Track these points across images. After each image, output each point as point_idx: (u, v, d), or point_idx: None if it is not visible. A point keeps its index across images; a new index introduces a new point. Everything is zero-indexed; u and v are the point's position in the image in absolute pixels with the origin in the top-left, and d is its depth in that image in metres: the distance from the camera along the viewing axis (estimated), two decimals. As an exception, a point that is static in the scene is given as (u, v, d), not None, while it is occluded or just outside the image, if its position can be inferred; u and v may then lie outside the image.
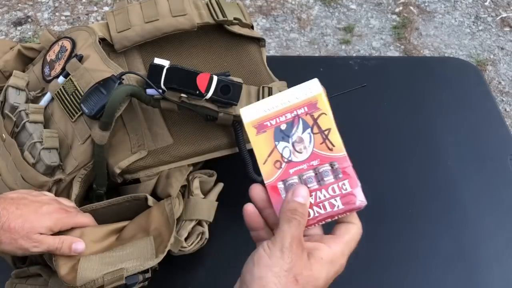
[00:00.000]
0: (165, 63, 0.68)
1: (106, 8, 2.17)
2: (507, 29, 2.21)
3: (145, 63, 0.76)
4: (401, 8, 2.27)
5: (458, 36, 2.17)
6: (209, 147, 0.74)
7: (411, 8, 2.28)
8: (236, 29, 0.80)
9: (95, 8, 2.17)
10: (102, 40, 0.74)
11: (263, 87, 0.74)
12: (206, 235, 0.72)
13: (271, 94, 0.74)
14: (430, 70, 1.09)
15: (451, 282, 0.74)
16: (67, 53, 0.72)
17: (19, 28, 2.06)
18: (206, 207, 0.72)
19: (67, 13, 2.13)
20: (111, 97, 0.63)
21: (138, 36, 0.74)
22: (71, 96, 0.69)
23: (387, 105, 0.99)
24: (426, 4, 2.30)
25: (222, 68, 0.79)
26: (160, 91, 0.67)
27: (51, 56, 0.74)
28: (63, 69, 0.71)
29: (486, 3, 2.32)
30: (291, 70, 0.99)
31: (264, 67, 0.82)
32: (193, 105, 0.68)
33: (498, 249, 0.78)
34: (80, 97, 0.67)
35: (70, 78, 0.69)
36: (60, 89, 0.70)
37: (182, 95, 0.67)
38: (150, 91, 0.67)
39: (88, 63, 0.69)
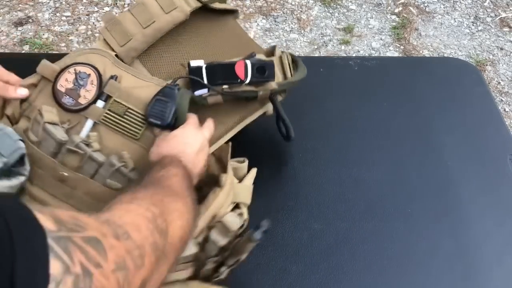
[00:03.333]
0: (200, 63, 0.71)
1: (106, 9, 2.17)
2: (506, 29, 2.22)
3: (143, 63, 0.76)
4: (400, 8, 2.27)
5: (457, 37, 2.17)
6: (234, 121, 0.77)
7: (411, 8, 2.28)
8: (218, 5, 0.81)
9: (96, 9, 2.17)
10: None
11: (282, 53, 0.80)
12: (245, 215, 0.72)
13: (294, 59, 0.82)
14: (430, 71, 1.09)
15: (451, 281, 0.74)
16: (94, 77, 0.71)
17: (20, 28, 2.06)
18: (242, 190, 0.73)
19: (68, 14, 2.14)
20: (180, 102, 0.67)
21: (142, 43, 0.74)
22: (125, 117, 0.69)
23: (387, 105, 0.99)
24: (426, 4, 2.30)
25: (214, 49, 0.80)
26: (207, 89, 0.71)
27: (65, 85, 0.71)
28: (101, 93, 0.70)
29: (485, 4, 2.32)
30: (292, 70, 0.99)
31: (249, 38, 0.85)
32: (234, 92, 0.72)
33: (498, 249, 0.78)
34: (136, 115, 0.69)
35: (114, 100, 0.70)
36: (107, 113, 0.70)
37: (224, 86, 0.71)
38: (198, 92, 0.71)
39: (125, 82, 0.71)
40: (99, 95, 0.70)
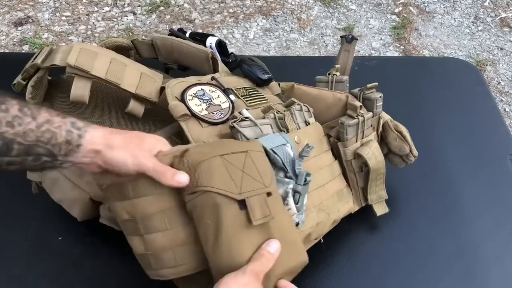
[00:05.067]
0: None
1: (106, 9, 2.17)
2: (506, 29, 2.22)
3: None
4: (400, 8, 2.27)
5: (457, 36, 2.17)
6: None
7: (411, 8, 2.28)
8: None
9: (96, 9, 2.17)
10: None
11: None
12: None
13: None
14: (430, 70, 1.09)
15: (451, 282, 0.74)
16: (206, 86, 0.72)
17: (19, 28, 2.06)
18: None
19: (68, 14, 2.14)
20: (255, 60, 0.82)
21: None
22: (251, 94, 0.76)
23: (387, 105, 0.99)
24: (426, 4, 2.30)
25: None
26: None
27: (202, 109, 0.69)
28: (225, 90, 0.73)
29: (486, 4, 2.32)
30: (291, 70, 0.99)
31: None
32: None
33: (498, 249, 0.78)
34: (251, 88, 0.78)
35: (236, 88, 0.75)
36: (243, 99, 0.74)
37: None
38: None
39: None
40: (227, 92, 0.72)
